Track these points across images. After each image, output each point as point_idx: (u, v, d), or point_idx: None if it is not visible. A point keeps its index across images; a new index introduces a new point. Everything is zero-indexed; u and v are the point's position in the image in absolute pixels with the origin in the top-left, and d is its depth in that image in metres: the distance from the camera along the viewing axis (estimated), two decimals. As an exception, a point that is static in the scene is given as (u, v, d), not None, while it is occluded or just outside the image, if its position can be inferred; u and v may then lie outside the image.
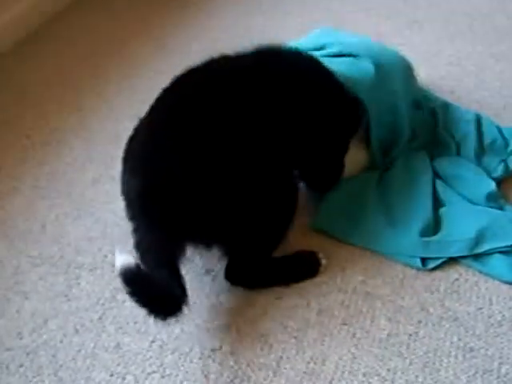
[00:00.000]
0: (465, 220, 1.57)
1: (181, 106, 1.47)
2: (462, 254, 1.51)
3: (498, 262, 1.49)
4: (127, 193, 1.43)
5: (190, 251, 1.44)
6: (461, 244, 1.52)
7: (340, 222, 1.60)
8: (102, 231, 1.65)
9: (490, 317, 1.39)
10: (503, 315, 1.39)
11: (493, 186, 1.67)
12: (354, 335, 1.36)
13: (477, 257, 1.51)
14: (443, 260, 1.51)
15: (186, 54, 2.42)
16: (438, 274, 1.49)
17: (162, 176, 1.36)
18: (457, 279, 1.48)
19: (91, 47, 2.54)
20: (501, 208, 1.63)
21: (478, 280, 1.48)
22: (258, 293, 1.46)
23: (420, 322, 1.38)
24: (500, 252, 1.51)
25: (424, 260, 1.51)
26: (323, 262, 1.50)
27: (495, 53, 2.48)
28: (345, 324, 1.38)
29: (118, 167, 1.78)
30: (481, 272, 1.49)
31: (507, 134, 1.84)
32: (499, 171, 1.74)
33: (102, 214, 1.70)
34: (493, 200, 1.64)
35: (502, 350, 1.32)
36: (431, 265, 1.50)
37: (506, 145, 1.81)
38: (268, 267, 1.49)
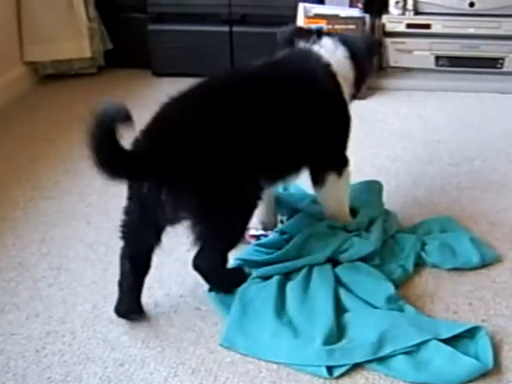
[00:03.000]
0: (366, 325, 1.61)
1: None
2: (365, 359, 1.54)
3: (401, 364, 1.53)
4: None
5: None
6: (364, 349, 1.55)
7: (246, 339, 1.61)
8: (5, 365, 1.59)
9: (397, 419, 1.42)
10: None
11: (392, 288, 1.74)
12: None
13: (381, 360, 1.54)
14: (349, 366, 1.53)
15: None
16: (345, 380, 1.51)
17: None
18: (364, 384, 1.51)
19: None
20: (401, 309, 1.69)
21: (385, 383, 1.50)
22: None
23: (330, 432, 1.39)
24: (403, 353, 1.54)
25: (330, 368, 1.53)
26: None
27: (390, 155, 2.63)
28: None
29: (22, 295, 1.77)
30: (386, 375, 1.52)
31: (401, 240, 1.95)
32: (398, 273, 1.83)
33: (6, 346, 1.65)
34: (392, 302, 1.70)
35: None
36: (337, 372, 1.52)
37: (402, 249, 1.91)
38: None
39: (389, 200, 2.14)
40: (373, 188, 2.09)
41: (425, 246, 1.93)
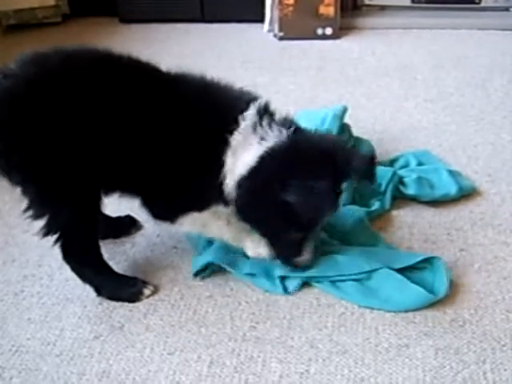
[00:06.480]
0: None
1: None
2: (317, 275, 1.58)
3: (351, 288, 1.56)
4: None
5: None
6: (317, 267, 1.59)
7: (212, 255, 1.64)
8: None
9: (377, 345, 1.42)
10: (390, 342, 1.43)
11: (362, 216, 1.75)
12: (246, 382, 1.35)
13: (333, 282, 1.58)
14: (302, 281, 1.58)
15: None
16: (324, 310, 1.52)
17: None
18: (343, 313, 1.51)
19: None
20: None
21: (364, 312, 1.51)
22: (150, 349, 1.44)
23: (310, 359, 1.40)
24: (353, 280, 1.57)
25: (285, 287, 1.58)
26: (146, 291, 1.58)
27: (366, 92, 2.61)
28: (236, 372, 1.37)
29: None
30: (335, 296, 1.55)
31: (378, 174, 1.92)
32: (375, 206, 1.83)
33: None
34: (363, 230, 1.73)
35: (391, 376, 1.35)
36: (291, 288, 1.57)
37: (379, 183, 1.89)
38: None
39: (365, 137, 2.12)
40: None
41: (402, 179, 1.93)
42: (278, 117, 1.52)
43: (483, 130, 2.33)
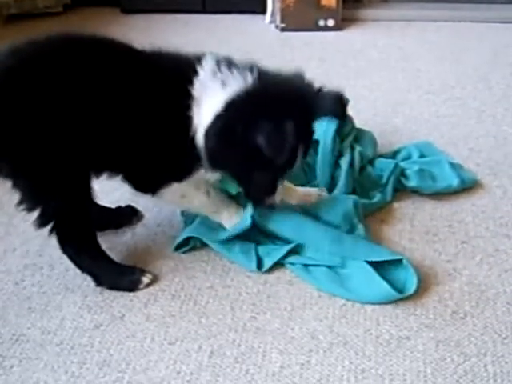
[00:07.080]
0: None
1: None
2: (294, 261, 1.60)
3: (321, 274, 1.56)
4: None
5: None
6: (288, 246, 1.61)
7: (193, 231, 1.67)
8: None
9: (378, 337, 1.42)
10: (391, 334, 1.43)
11: (350, 205, 1.72)
12: (247, 372, 1.35)
13: (306, 266, 1.59)
14: (275, 261, 1.60)
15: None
16: (325, 301, 1.52)
17: None
18: (344, 304, 1.51)
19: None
20: (352, 227, 1.68)
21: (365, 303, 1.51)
22: (150, 339, 1.43)
23: (311, 350, 1.39)
24: (327, 266, 1.58)
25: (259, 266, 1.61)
26: (145, 280, 1.57)
27: (368, 84, 2.61)
28: (237, 362, 1.37)
29: None
30: (304, 280, 1.57)
31: (380, 166, 1.94)
32: (377, 198, 1.82)
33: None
34: (348, 219, 1.69)
35: (391, 368, 1.35)
36: (266, 266, 1.60)
37: (381, 175, 1.90)
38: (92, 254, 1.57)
39: (367, 128, 2.12)
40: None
41: (404, 171, 1.92)
42: (239, 64, 1.52)
43: (485, 122, 2.32)
